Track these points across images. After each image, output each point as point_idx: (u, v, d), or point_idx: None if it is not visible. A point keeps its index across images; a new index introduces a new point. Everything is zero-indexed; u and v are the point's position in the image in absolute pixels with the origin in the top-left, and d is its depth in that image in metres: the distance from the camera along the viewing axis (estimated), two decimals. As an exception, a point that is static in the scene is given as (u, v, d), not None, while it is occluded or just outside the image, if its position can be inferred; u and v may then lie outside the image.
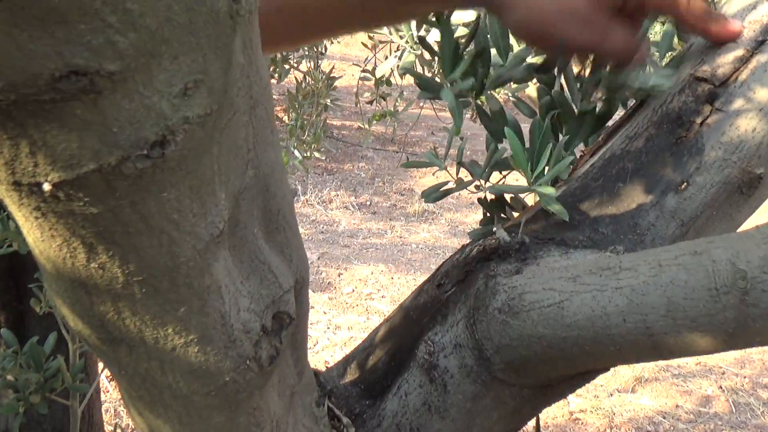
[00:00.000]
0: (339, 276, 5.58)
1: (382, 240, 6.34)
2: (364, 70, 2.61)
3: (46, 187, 0.39)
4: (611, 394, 4.57)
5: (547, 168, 0.81)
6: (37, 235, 0.44)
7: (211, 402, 0.56)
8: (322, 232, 6.78)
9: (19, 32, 0.32)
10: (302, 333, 0.70)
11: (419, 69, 1.58)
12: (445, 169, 1.08)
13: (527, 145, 0.81)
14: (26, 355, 1.12)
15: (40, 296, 1.22)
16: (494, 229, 0.79)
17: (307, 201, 7.17)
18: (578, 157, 0.88)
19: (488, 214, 1.02)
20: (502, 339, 0.71)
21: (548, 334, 0.67)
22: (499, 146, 1.02)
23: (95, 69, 0.34)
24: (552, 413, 4.25)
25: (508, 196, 1.01)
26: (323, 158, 8.25)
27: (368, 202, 7.23)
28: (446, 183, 1.05)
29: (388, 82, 2.61)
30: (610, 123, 0.93)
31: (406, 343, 0.84)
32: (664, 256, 0.62)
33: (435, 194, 1.03)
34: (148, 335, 0.50)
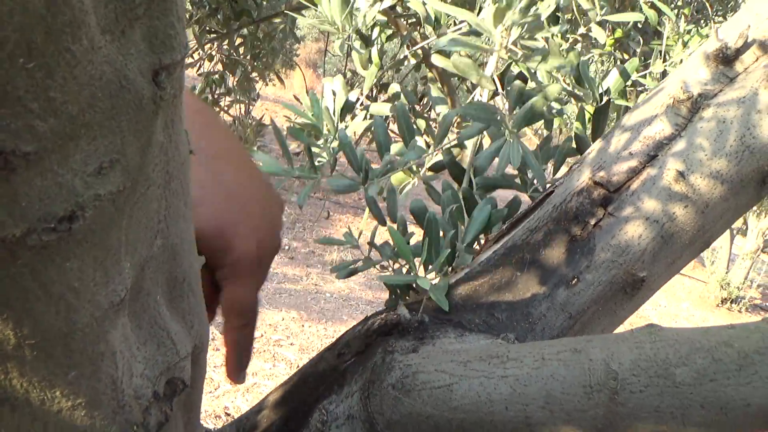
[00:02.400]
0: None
1: (296, 286, 6.30)
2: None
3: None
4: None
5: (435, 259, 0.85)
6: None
7: (94, 467, 0.55)
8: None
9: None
10: (197, 396, 0.70)
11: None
12: (359, 247, 1.11)
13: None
14: None
15: None
16: (397, 306, 0.82)
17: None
18: (482, 242, 0.93)
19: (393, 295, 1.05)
20: (393, 415, 0.74)
21: (436, 415, 0.69)
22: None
23: (11, 149, 0.35)
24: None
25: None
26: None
27: (287, 247, 7.19)
28: (356, 261, 1.08)
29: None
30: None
31: (301, 409, 0.85)
32: (548, 350, 0.66)
33: (344, 271, 1.06)
34: (34, 396, 0.49)
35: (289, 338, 5.48)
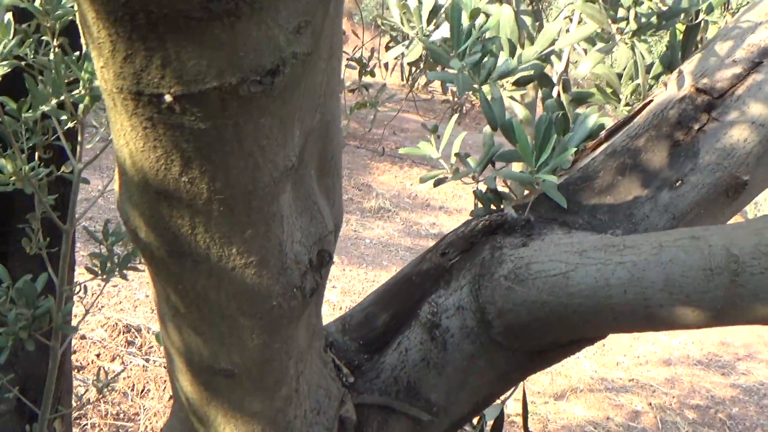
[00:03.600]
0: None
1: (338, 231, 6.37)
2: (350, 59, 2.65)
3: (168, 98, 0.43)
4: (546, 402, 4.69)
5: (549, 159, 0.88)
6: (138, 146, 0.48)
7: (255, 324, 0.60)
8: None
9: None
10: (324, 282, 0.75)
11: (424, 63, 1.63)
12: (440, 159, 1.14)
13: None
14: (18, 291, 1.13)
15: (31, 236, 1.23)
16: (503, 206, 0.86)
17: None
18: (580, 150, 0.95)
19: (480, 205, 1.08)
20: (506, 304, 0.78)
21: (551, 301, 0.73)
22: (495, 143, 1.09)
23: (245, -6, 0.39)
24: (488, 416, 4.33)
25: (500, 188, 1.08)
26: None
27: (327, 193, 7.23)
28: (442, 172, 1.11)
29: (372, 72, 2.64)
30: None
31: (408, 305, 0.89)
32: (665, 238, 0.69)
33: (430, 180, 1.09)
34: (214, 252, 0.54)
35: (331, 281, 5.60)
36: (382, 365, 0.87)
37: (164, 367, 3.56)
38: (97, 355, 3.55)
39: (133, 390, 3.44)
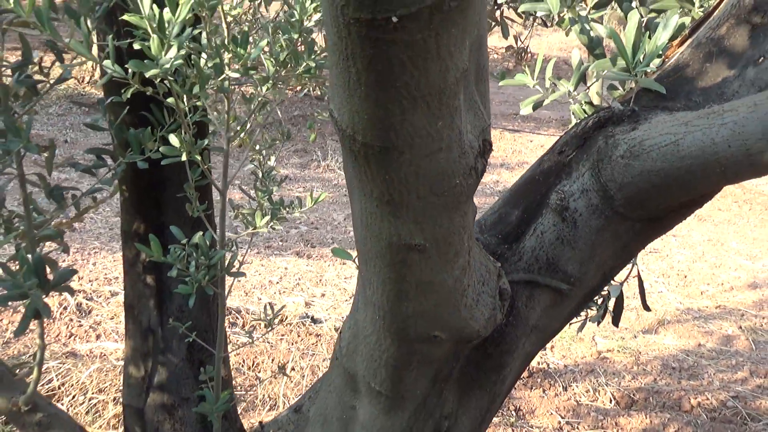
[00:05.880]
0: (368, 235, 5.75)
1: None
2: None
3: (394, 19, 0.61)
4: (636, 336, 4.77)
5: (643, 57, 1.03)
6: (365, 63, 0.65)
7: (442, 202, 0.78)
8: (345, 194, 6.98)
9: None
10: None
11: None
12: (536, 85, 1.30)
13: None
14: (195, 246, 1.34)
15: (195, 204, 1.43)
16: (610, 102, 1.01)
17: (327, 166, 7.35)
18: (667, 48, 1.10)
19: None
20: (625, 178, 0.94)
21: (666, 167, 0.89)
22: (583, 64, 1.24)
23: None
24: (581, 353, 4.46)
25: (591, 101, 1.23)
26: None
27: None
28: (542, 95, 1.27)
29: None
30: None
31: (535, 199, 1.06)
32: (758, 98, 0.84)
33: (532, 104, 1.25)
34: (416, 142, 0.72)
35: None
36: (523, 249, 1.04)
37: (268, 342, 3.83)
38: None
39: (243, 365, 3.71)
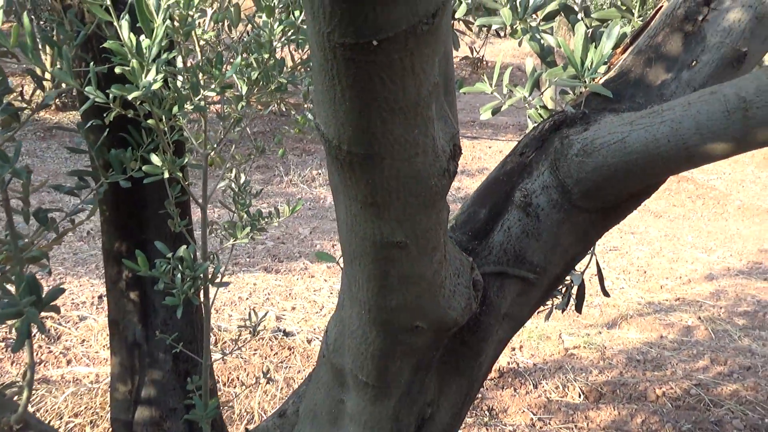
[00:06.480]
0: (333, 247, 5.82)
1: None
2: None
3: (375, 42, 0.70)
4: (600, 332, 4.91)
5: (590, 64, 1.14)
6: (349, 81, 0.74)
7: (420, 202, 0.87)
8: (309, 208, 7.03)
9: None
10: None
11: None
12: (494, 92, 1.41)
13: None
14: (179, 258, 1.41)
15: (176, 220, 1.49)
16: (563, 106, 1.12)
17: (290, 181, 7.40)
18: (611, 56, 1.21)
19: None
20: (580, 174, 1.04)
21: (615, 162, 1.00)
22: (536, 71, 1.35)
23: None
24: (549, 351, 4.57)
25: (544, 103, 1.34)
26: (303, 139, 8.46)
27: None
28: (497, 102, 1.37)
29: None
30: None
31: (501, 197, 1.16)
32: (692, 97, 0.95)
33: (491, 110, 1.36)
34: (395, 148, 0.81)
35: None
36: (492, 243, 1.14)
37: (242, 357, 3.87)
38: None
39: (218, 381, 3.74)
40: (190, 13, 1.22)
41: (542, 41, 1.27)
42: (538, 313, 1.33)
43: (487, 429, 3.63)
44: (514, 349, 4.51)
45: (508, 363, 4.21)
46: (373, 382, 1.11)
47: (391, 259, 0.93)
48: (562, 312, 1.51)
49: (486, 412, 3.80)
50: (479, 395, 3.76)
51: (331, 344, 1.17)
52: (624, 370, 4.35)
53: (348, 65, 0.73)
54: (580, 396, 3.96)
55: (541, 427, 3.72)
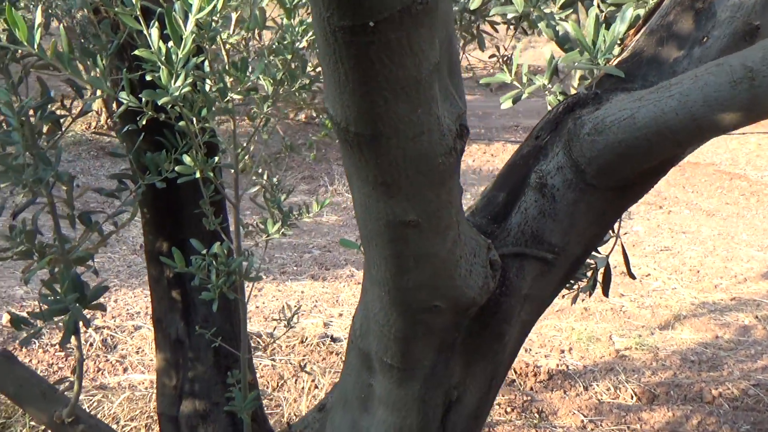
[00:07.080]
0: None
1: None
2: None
3: (371, 24, 0.74)
4: (653, 333, 4.81)
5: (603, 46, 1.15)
6: (351, 63, 0.78)
7: (428, 180, 0.90)
8: (354, 217, 7.10)
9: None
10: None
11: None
12: (513, 81, 1.43)
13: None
14: (214, 255, 1.47)
15: (211, 218, 1.55)
16: (578, 90, 1.14)
17: (335, 191, 7.49)
18: (625, 38, 1.22)
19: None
20: (592, 152, 1.06)
21: (626, 138, 1.01)
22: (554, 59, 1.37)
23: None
24: (599, 353, 4.50)
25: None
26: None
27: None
28: (517, 91, 1.40)
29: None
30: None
31: (518, 181, 1.18)
32: (699, 71, 0.96)
33: (510, 98, 1.38)
34: (400, 128, 0.84)
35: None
36: (510, 225, 1.16)
37: (290, 363, 3.94)
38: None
39: (268, 387, 3.81)
40: (214, 18, 1.28)
41: (557, 27, 1.29)
42: (563, 298, 1.33)
43: (536, 431, 3.60)
44: (563, 351, 4.46)
45: (557, 365, 4.16)
46: (398, 364, 1.14)
47: (405, 239, 0.96)
48: (589, 296, 1.51)
49: (536, 414, 3.76)
50: (528, 397, 3.73)
51: (357, 329, 1.21)
52: (678, 371, 4.25)
53: (348, 47, 0.77)
54: (632, 397, 3.88)
55: (592, 429, 3.67)
